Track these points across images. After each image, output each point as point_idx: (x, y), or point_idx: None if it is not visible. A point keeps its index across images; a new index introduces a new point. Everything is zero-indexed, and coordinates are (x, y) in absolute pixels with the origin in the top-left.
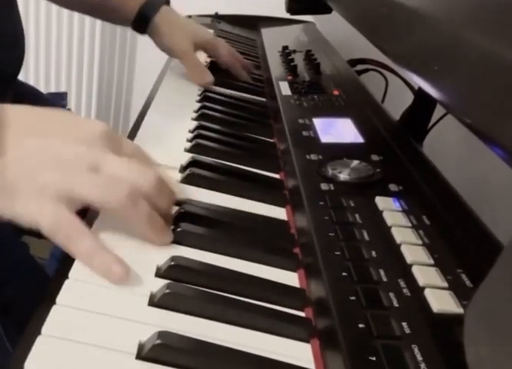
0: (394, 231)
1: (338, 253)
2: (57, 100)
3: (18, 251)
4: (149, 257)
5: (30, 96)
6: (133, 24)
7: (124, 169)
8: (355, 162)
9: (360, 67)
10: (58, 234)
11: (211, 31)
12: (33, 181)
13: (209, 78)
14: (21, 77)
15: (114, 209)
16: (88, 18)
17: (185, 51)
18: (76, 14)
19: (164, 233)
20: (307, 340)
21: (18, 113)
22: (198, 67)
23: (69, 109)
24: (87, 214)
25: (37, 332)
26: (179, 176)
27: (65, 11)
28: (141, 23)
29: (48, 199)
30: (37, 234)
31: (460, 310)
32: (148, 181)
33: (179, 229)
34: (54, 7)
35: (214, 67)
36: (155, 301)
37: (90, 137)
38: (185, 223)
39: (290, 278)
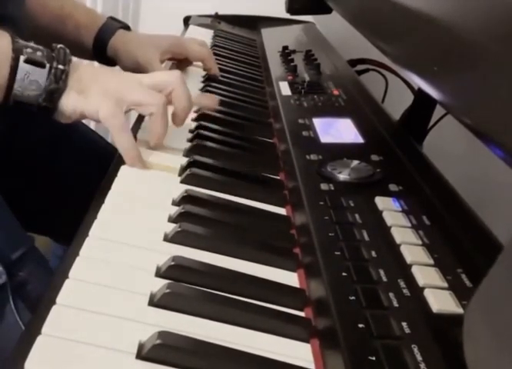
0: (394, 231)
1: (338, 253)
2: None
3: (25, 243)
4: (149, 256)
5: None
6: (93, 54)
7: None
8: (355, 162)
9: (360, 67)
10: (109, 121)
11: (211, 31)
12: (100, 87)
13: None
14: None
15: (152, 107)
16: None
17: (148, 62)
18: None
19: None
20: (306, 340)
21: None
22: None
23: None
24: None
25: (37, 332)
26: (178, 179)
27: None
28: (100, 49)
29: (108, 98)
30: (40, 231)
31: (460, 310)
32: (180, 87)
33: (179, 229)
34: None
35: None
36: (155, 301)
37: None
38: (185, 223)
39: (290, 278)
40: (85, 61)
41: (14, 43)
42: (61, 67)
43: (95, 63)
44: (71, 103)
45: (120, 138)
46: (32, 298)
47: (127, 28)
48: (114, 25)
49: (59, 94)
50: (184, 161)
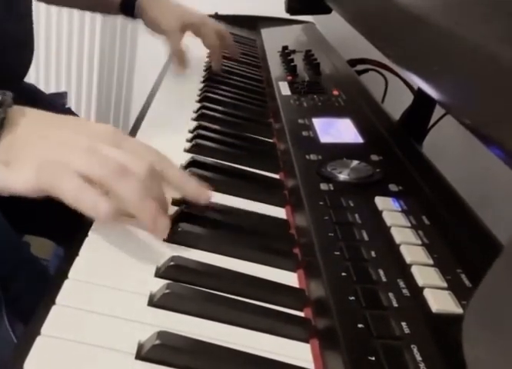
0: (394, 231)
1: (338, 253)
2: (57, 99)
3: (22, 250)
4: (149, 257)
5: (30, 94)
6: (120, 9)
7: (117, 153)
8: (355, 162)
9: (360, 67)
10: (70, 195)
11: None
12: (34, 155)
13: (186, 65)
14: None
15: (101, 180)
16: (87, 17)
17: (171, 30)
18: (76, 14)
19: (158, 219)
20: (306, 340)
21: (30, 112)
22: (178, 52)
23: (69, 108)
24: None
25: (37, 332)
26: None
27: (65, 11)
28: (127, 7)
29: (46, 169)
30: (39, 233)
31: (460, 311)
32: (138, 166)
33: (179, 229)
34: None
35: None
36: (155, 301)
37: (93, 133)
38: (185, 223)
39: (289, 278)
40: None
41: None
42: None
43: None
44: None
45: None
46: (26, 312)
47: None
48: None
49: None
50: (184, 160)
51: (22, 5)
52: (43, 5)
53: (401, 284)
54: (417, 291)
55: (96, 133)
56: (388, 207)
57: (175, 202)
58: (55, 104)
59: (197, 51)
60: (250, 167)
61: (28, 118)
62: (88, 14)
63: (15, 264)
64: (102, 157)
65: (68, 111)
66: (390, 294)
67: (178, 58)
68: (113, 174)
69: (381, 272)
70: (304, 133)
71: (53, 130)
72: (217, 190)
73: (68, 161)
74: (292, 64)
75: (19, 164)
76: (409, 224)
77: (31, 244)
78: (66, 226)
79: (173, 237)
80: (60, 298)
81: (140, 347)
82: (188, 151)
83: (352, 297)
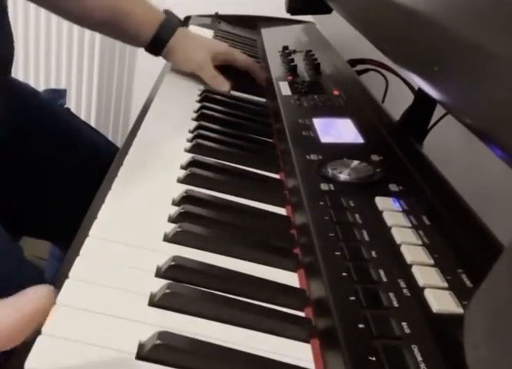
0: (394, 231)
1: (338, 253)
2: (54, 97)
3: (13, 260)
4: (149, 257)
5: (23, 94)
6: (148, 47)
7: None
8: (355, 162)
9: (360, 67)
10: None
11: (211, 31)
12: None
13: (227, 86)
14: (20, 76)
15: None
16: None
17: (201, 63)
18: None
19: None
20: (307, 340)
21: None
22: (216, 78)
23: (67, 108)
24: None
25: (37, 332)
26: (181, 173)
27: None
28: (157, 46)
29: None
30: (36, 235)
31: (460, 311)
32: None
33: (179, 229)
34: None
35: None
36: (155, 301)
37: None
38: (185, 223)
39: (290, 278)
40: None
41: None
42: None
43: None
44: None
45: None
46: None
47: (182, 23)
48: (173, 23)
49: None
50: (184, 160)
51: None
52: None
53: (402, 284)
54: (417, 291)
55: None
56: (389, 207)
57: (175, 202)
58: (51, 104)
59: None
60: (250, 167)
61: None
62: None
63: (7, 273)
64: None
65: (66, 112)
66: (391, 294)
67: (217, 85)
68: None
69: (382, 272)
70: (305, 133)
71: None
72: (217, 190)
73: None
74: (292, 64)
75: None
76: (409, 224)
77: (27, 244)
78: (66, 227)
79: (173, 237)
80: (61, 298)
81: (140, 346)
82: (189, 150)
83: (353, 297)
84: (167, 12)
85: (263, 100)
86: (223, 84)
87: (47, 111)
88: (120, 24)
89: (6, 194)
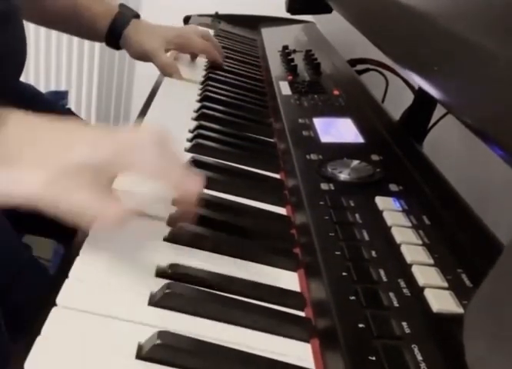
0: (394, 231)
1: (338, 253)
2: (57, 99)
3: (23, 255)
4: (149, 257)
5: (29, 95)
6: (106, 40)
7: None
8: (355, 162)
9: (360, 67)
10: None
11: (212, 30)
12: (35, 152)
13: (179, 74)
14: (22, 77)
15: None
16: None
17: (154, 50)
18: None
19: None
20: (307, 340)
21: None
22: (167, 65)
23: (69, 108)
24: None
25: (37, 332)
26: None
27: None
28: (113, 38)
29: (47, 167)
30: (39, 233)
31: (460, 310)
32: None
33: (179, 229)
34: None
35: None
36: (155, 301)
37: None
38: (185, 223)
39: (290, 278)
40: None
41: None
42: None
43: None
44: None
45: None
46: (24, 322)
47: (137, 16)
48: (127, 15)
49: None
50: (185, 160)
51: (17, 16)
52: None
53: (402, 283)
54: (417, 291)
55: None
56: (389, 207)
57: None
58: (54, 105)
59: None
60: (250, 166)
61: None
62: None
63: (15, 271)
64: (106, 142)
65: (68, 112)
66: (391, 294)
67: (169, 71)
68: (121, 151)
69: (382, 272)
70: (305, 133)
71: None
72: (217, 190)
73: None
74: (292, 63)
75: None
76: (409, 224)
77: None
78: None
79: (173, 237)
80: (60, 298)
81: (140, 347)
82: (189, 150)
83: (353, 297)
84: (122, 5)
85: (271, 140)
86: (174, 72)
87: (51, 112)
88: (79, 19)
89: None
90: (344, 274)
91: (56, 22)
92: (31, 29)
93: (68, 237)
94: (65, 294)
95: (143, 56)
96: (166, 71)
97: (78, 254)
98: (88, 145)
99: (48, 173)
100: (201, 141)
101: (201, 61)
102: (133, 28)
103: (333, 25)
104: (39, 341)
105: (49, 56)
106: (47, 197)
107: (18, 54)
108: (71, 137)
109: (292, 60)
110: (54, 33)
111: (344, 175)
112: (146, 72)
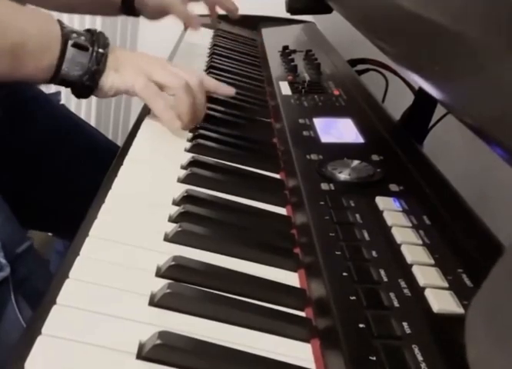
0: (395, 231)
1: (339, 253)
2: (52, 97)
3: (22, 242)
4: (149, 257)
5: (29, 95)
6: (123, 9)
7: (179, 71)
8: (355, 162)
9: (360, 67)
10: (144, 92)
11: (212, 30)
12: (133, 66)
13: (198, 26)
14: None
15: (175, 88)
16: (87, 17)
17: (173, 3)
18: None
19: (193, 122)
20: (307, 340)
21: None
22: (188, 16)
23: (63, 104)
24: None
25: (37, 332)
26: (181, 172)
27: None
28: (129, 4)
29: (140, 75)
30: (40, 227)
31: (461, 310)
32: (196, 81)
33: (179, 229)
34: None
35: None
36: (155, 301)
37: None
38: (185, 223)
39: (290, 278)
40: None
41: (63, 29)
42: (101, 50)
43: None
44: (109, 81)
45: (155, 104)
46: (32, 295)
47: None
48: None
49: (100, 74)
50: (185, 160)
51: None
52: None
53: (402, 283)
54: (418, 291)
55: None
56: (389, 207)
57: (176, 202)
58: (54, 102)
59: (198, 50)
60: (250, 167)
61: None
62: None
63: (25, 248)
64: (170, 75)
65: (62, 108)
66: (391, 294)
67: (189, 21)
68: (180, 84)
69: (382, 272)
70: (305, 133)
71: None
72: (217, 190)
73: (152, 74)
74: (293, 63)
75: (125, 72)
76: (410, 224)
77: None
78: (69, 220)
79: (173, 237)
80: (61, 298)
81: (141, 346)
82: (189, 150)
83: (353, 297)
84: None
85: (271, 140)
86: (195, 23)
87: (47, 104)
88: None
89: (9, 188)
90: (344, 274)
91: (76, 3)
92: None
93: (70, 232)
94: (66, 294)
95: (161, 10)
96: (188, 22)
97: (78, 254)
98: (164, 70)
99: (144, 78)
100: (201, 141)
101: (201, 61)
102: None
103: (333, 25)
104: (40, 341)
105: None
106: (143, 91)
107: None
108: (154, 61)
109: (292, 60)
110: None
111: (344, 175)
112: None
